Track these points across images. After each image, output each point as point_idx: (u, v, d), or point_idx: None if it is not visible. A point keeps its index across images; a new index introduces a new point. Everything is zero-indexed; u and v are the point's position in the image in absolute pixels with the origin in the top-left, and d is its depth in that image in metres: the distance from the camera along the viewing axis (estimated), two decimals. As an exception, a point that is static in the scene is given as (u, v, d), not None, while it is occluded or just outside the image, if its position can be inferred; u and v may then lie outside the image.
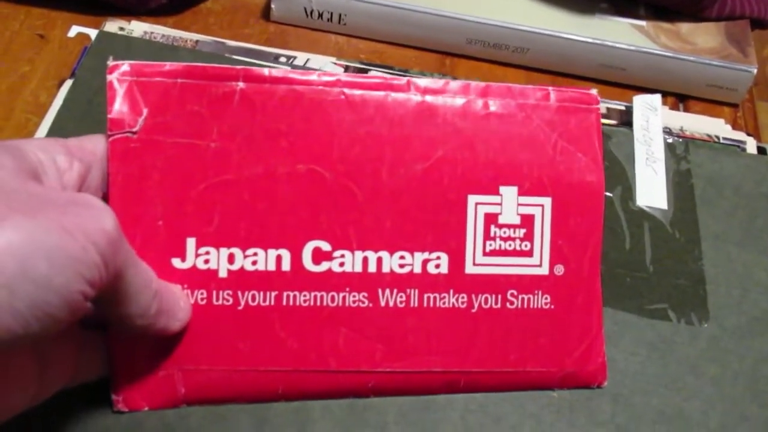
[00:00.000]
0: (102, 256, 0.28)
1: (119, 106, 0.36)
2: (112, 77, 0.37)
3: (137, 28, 0.53)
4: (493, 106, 0.41)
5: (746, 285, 0.46)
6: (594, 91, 0.42)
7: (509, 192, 0.40)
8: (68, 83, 0.49)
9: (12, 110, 0.50)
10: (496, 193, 0.40)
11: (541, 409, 0.41)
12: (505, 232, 0.40)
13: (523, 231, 0.41)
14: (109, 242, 0.29)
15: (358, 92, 0.39)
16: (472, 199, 0.40)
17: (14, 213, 0.26)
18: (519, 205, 0.41)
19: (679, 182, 0.49)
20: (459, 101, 0.40)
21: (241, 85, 0.38)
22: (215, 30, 0.57)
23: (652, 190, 0.49)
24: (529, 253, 0.41)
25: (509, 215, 0.40)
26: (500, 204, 0.40)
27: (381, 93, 0.40)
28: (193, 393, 0.38)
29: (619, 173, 0.49)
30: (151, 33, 0.53)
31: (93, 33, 0.52)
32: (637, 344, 0.43)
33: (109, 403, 0.37)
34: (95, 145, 0.36)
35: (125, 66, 0.37)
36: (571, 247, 0.41)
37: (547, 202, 0.41)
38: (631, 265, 0.46)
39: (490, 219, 0.40)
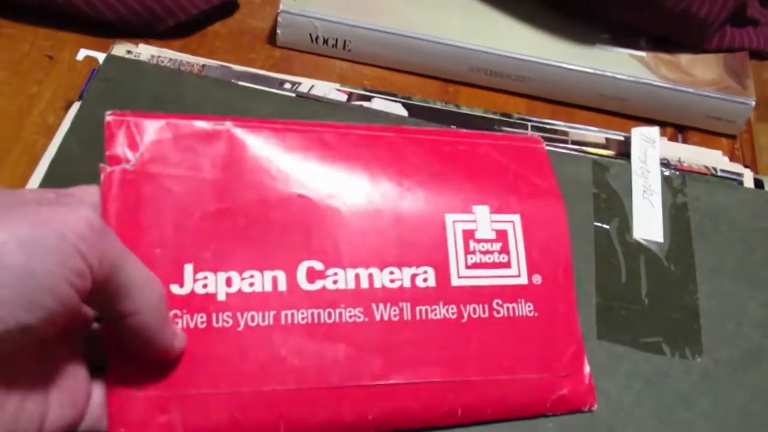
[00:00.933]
0: (84, 242, 0.29)
1: (117, 144, 0.39)
2: (110, 118, 0.39)
3: (144, 51, 0.54)
4: (455, 145, 0.46)
5: (740, 319, 0.47)
6: (536, 135, 0.49)
7: (481, 210, 0.44)
8: (76, 105, 0.50)
9: (20, 131, 0.51)
10: (470, 211, 0.44)
11: (536, 439, 0.42)
12: (483, 246, 0.43)
13: (499, 245, 0.44)
14: (90, 228, 0.30)
15: (336, 137, 0.43)
16: (449, 217, 0.43)
17: None
18: (492, 221, 0.44)
19: (676, 215, 0.50)
20: (425, 141, 0.45)
21: (228, 124, 0.41)
22: (221, 54, 0.58)
23: (648, 222, 0.49)
24: (507, 265, 0.43)
25: (484, 231, 0.44)
26: (475, 221, 0.44)
27: (357, 134, 0.44)
28: (192, 426, 0.38)
29: (617, 205, 0.50)
30: (158, 57, 0.54)
31: (101, 56, 0.53)
32: (632, 377, 0.44)
33: None
34: (85, 193, 0.37)
35: (121, 112, 0.39)
36: (544, 258, 0.44)
37: (516, 218, 0.44)
38: (626, 298, 0.47)
39: (468, 235, 0.43)
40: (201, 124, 0.40)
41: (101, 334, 0.37)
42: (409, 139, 0.45)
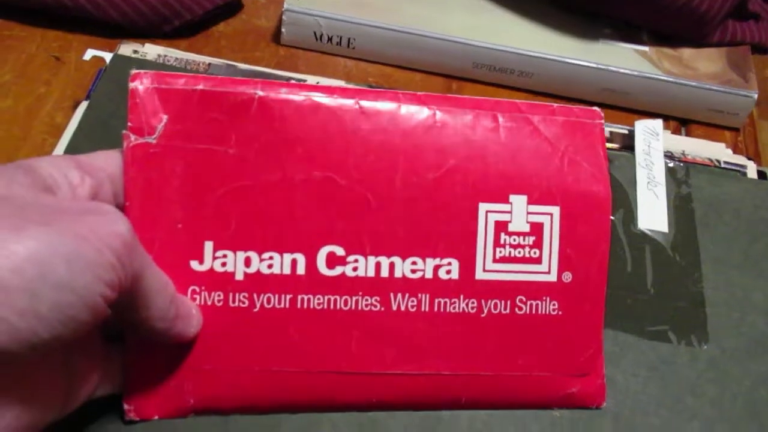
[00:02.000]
0: (118, 257, 0.29)
1: (140, 113, 0.38)
2: (134, 84, 0.38)
3: (151, 51, 0.55)
4: (502, 119, 0.42)
5: (745, 308, 0.47)
6: (597, 108, 0.44)
7: (519, 200, 0.41)
8: (83, 105, 0.51)
9: (29, 131, 0.51)
10: (506, 201, 0.41)
11: (544, 428, 0.42)
12: (514, 240, 0.41)
13: (532, 238, 0.42)
14: (124, 244, 0.30)
15: (371, 103, 0.40)
16: (483, 207, 0.41)
17: (30, 224, 0.28)
18: (528, 213, 0.42)
19: (680, 206, 0.50)
20: (469, 114, 0.42)
21: (259, 93, 0.39)
22: (227, 53, 0.58)
23: (653, 213, 0.50)
24: (538, 260, 0.42)
25: (519, 223, 0.41)
26: (510, 212, 0.41)
27: (394, 104, 0.41)
28: (202, 402, 0.39)
29: (621, 197, 0.50)
30: (165, 56, 0.54)
31: (108, 56, 0.54)
32: (638, 365, 0.44)
33: (120, 412, 0.38)
34: (105, 161, 0.37)
35: (145, 74, 0.38)
36: (579, 255, 0.42)
37: (555, 210, 0.42)
38: (632, 287, 0.47)
39: (501, 227, 0.41)
40: (229, 93, 0.39)
41: None
42: (450, 112, 0.41)
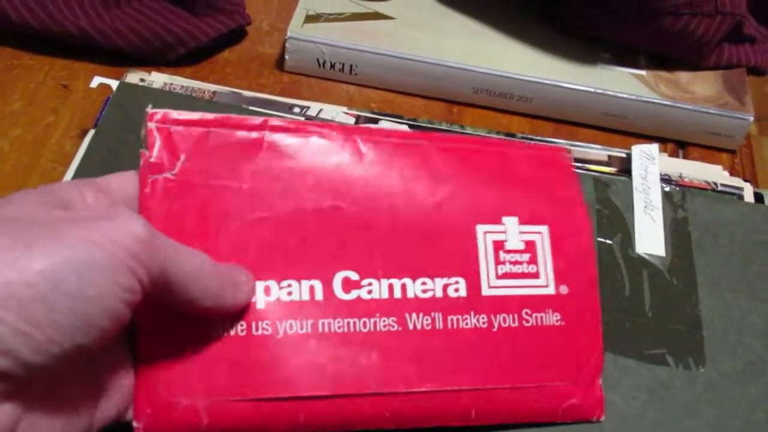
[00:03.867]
0: (136, 258, 0.30)
1: (159, 152, 0.40)
2: (152, 125, 0.40)
3: (157, 79, 0.56)
4: (485, 154, 0.46)
5: (741, 330, 0.48)
6: (561, 146, 0.49)
7: (511, 221, 0.45)
8: (92, 133, 0.51)
9: (38, 159, 0.52)
10: (500, 222, 0.44)
11: (545, 451, 0.43)
12: (512, 257, 0.44)
13: (527, 255, 0.44)
14: (140, 243, 0.30)
15: (370, 144, 0.43)
16: (480, 228, 0.44)
17: (38, 238, 0.28)
18: (521, 232, 0.44)
19: (677, 230, 0.51)
20: (456, 150, 0.46)
21: (267, 134, 0.42)
22: (232, 80, 0.59)
23: (650, 237, 0.50)
24: (536, 275, 0.44)
25: (514, 241, 0.44)
26: (505, 232, 0.44)
27: (389, 143, 0.44)
28: (217, 422, 0.39)
29: (619, 221, 0.51)
30: (171, 84, 0.55)
31: (114, 83, 0.55)
32: (637, 388, 0.45)
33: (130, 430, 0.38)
34: (120, 183, 0.38)
35: (162, 114, 0.40)
36: (570, 268, 0.45)
37: (544, 229, 0.45)
38: (630, 311, 0.48)
39: (498, 245, 0.44)
40: (240, 134, 0.41)
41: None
42: (441, 148, 0.45)
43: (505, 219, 0.44)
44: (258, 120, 0.42)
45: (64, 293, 0.28)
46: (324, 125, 0.43)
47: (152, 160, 0.39)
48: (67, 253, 0.28)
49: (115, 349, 0.36)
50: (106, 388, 0.35)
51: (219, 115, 0.41)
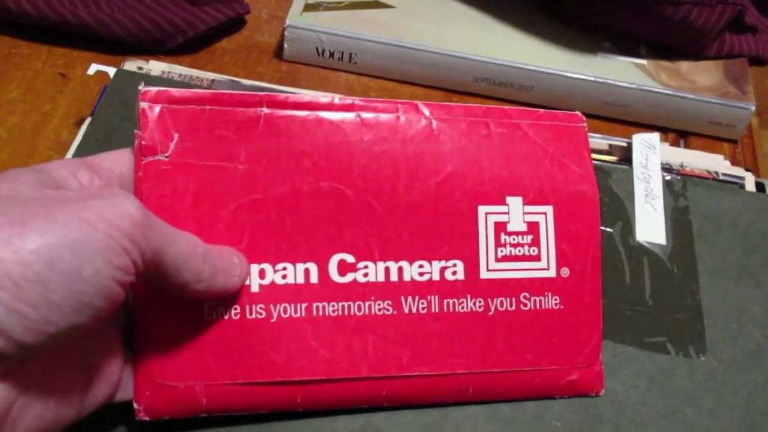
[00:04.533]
0: (129, 238, 0.30)
1: (151, 132, 0.38)
2: (144, 104, 0.38)
3: (155, 67, 0.55)
4: (493, 125, 0.44)
5: (742, 319, 0.47)
6: (578, 113, 0.46)
7: (515, 202, 0.43)
8: (88, 121, 0.51)
9: (35, 148, 0.52)
10: (503, 203, 0.43)
11: (544, 439, 0.43)
12: (514, 239, 0.43)
13: (530, 237, 0.43)
14: (134, 224, 0.30)
15: (372, 114, 0.42)
16: (482, 209, 0.43)
17: (33, 217, 0.28)
18: (524, 213, 0.43)
19: (678, 218, 0.51)
20: (463, 123, 0.43)
21: (265, 110, 0.40)
22: (230, 69, 0.59)
23: (651, 226, 0.50)
24: (537, 258, 0.43)
25: (516, 223, 0.43)
26: (508, 213, 0.43)
27: (392, 115, 0.42)
28: (215, 404, 0.39)
29: (619, 209, 0.51)
30: (169, 72, 0.55)
31: (111, 71, 0.54)
32: (637, 376, 0.45)
33: (131, 411, 0.38)
34: (113, 162, 0.37)
35: (156, 92, 0.39)
36: (573, 251, 0.44)
37: (549, 210, 0.44)
38: (631, 299, 0.47)
39: (500, 227, 0.43)
40: (236, 111, 0.40)
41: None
42: (446, 121, 0.43)
43: (508, 199, 0.43)
44: (255, 96, 0.40)
45: (59, 272, 0.28)
46: (325, 103, 0.41)
47: (144, 142, 0.38)
48: (62, 232, 0.28)
49: (106, 331, 0.36)
50: (98, 370, 0.35)
51: (215, 92, 0.40)
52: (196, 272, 0.34)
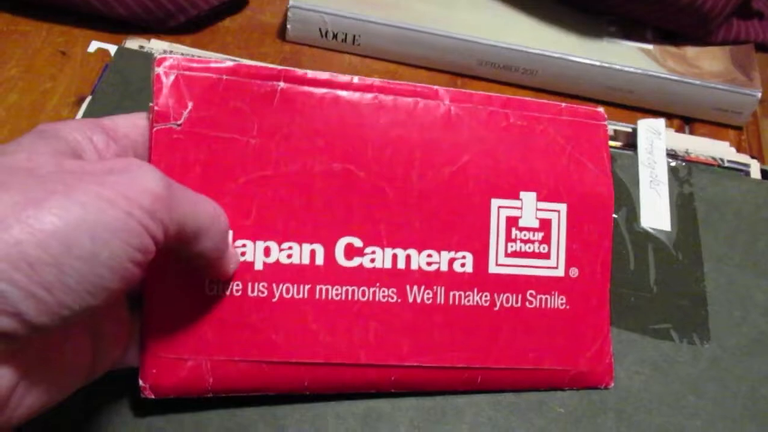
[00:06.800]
0: (151, 215, 0.29)
1: (165, 99, 0.37)
2: (159, 70, 0.37)
3: (156, 46, 0.55)
4: (513, 117, 0.43)
5: (746, 306, 0.47)
6: (601, 109, 0.45)
7: (528, 197, 0.43)
8: (88, 100, 0.51)
9: (35, 125, 0.50)
10: (517, 197, 0.42)
11: (548, 423, 0.42)
12: (525, 235, 0.42)
13: (541, 234, 0.43)
14: (157, 199, 0.29)
15: (390, 97, 0.41)
16: (495, 202, 0.42)
17: (51, 195, 0.27)
18: (537, 209, 0.43)
19: (683, 205, 0.51)
20: (482, 112, 0.42)
21: (282, 85, 0.39)
22: (232, 49, 0.59)
23: (656, 212, 0.50)
24: (546, 256, 0.43)
25: (529, 219, 0.42)
26: (521, 208, 0.42)
27: (411, 99, 0.41)
28: (221, 383, 0.39)
29: (624, 195, 0.50)
30: (170, 52, 0.54)
31: (112, 48, 0.54)
32: (641, 363, 0.45)
33: (136, 390, 0.38)
34: (128, 127, 0.36)
35: (172, 59, 0.38)
36: (584, 251, 0.43)
37: (562, 208, 0.43)
38: (635, 285, 0.47)
39: (512, 222, 0.42)
40: (253, 84, 0.39)
41: None
42: (465, 109, 0.42)
43: (522, 194, 0.42)
44: (274, 70, 0.39)
45: (76, 257, 0.27)
46: (344, 81, 0.40)
47: (157, 108, 0.37)
48: (80, 212, 0.27)
49: (115, 302, 0.36)
50: (104, 341, 0.35)
51: (233, 63, 0.38)
52: (216, 241, 0.34)
